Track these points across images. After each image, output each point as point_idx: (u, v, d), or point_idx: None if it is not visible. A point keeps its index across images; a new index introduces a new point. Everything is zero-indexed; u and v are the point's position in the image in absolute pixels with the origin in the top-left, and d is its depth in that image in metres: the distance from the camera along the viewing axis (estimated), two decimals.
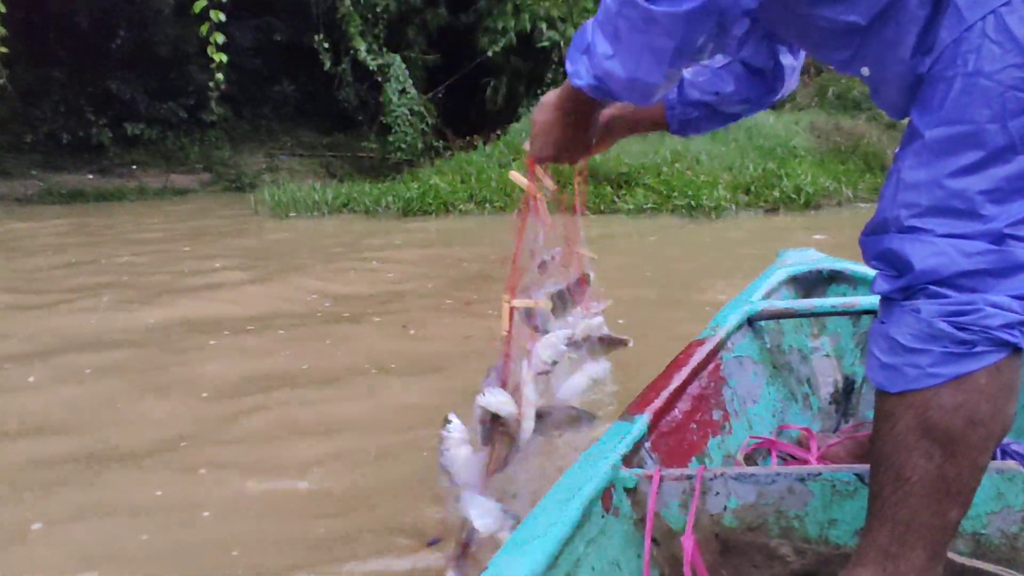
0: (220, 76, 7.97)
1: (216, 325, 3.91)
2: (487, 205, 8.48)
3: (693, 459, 1.43)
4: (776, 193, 7.74)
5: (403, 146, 12.98)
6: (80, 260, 6.11)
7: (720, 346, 1.67)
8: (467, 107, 14.34)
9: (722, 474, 1.14)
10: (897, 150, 0.96)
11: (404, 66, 13.14)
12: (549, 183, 1.38)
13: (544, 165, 1.32)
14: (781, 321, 1.91)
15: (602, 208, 7.99)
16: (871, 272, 0.96)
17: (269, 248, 6.87)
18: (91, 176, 12.42)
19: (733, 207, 7.66)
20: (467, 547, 1.24)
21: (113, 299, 4.50)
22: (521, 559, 0.92)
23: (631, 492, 1.16)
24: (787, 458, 1.56)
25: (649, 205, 7.83)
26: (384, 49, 13.15)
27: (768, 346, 1.87)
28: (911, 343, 0.89)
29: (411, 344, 3.57)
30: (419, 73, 13.94)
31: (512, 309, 1.34)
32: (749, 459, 1.56)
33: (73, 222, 9.09)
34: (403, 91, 13.03)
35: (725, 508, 1.14)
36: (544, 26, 12.61)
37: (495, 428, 1.29)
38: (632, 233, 6.96)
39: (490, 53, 12.83)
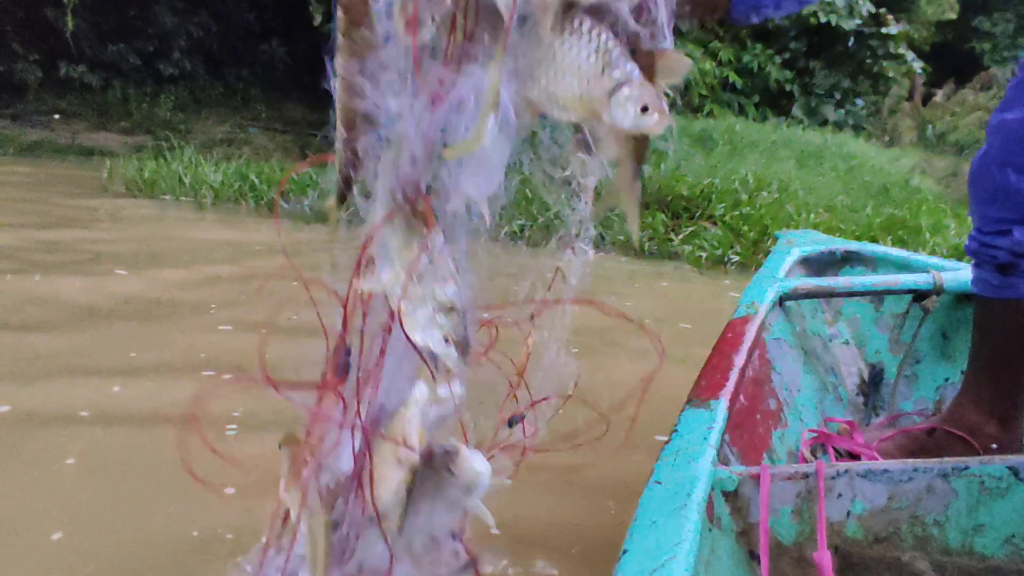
0: None
1: None
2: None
3: (764, 455, 1.24)
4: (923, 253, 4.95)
5: None
6: None
7: (762, 327, 1.40)
8: None
9: (846, 471, 0.96)
10: None
11: None
12: None
13: None
14: (801, 304, 1.71)
15: (650, 249, 5.25)
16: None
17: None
18: None
19: None
20: None
21: None
22: None
23: (729, 497, 0.96)
24: (844, 454, 1.39)
25: (734, 256, 5.01)
26: None
27: (797, 330, 1.67)
28: None
29: None
30: None
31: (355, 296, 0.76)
32: (813, 455, 1.38)
33: None
34: None
35: (848, 514, 0.97)
36: None
37: None
38: (705, 308, 4.20)
39: None
